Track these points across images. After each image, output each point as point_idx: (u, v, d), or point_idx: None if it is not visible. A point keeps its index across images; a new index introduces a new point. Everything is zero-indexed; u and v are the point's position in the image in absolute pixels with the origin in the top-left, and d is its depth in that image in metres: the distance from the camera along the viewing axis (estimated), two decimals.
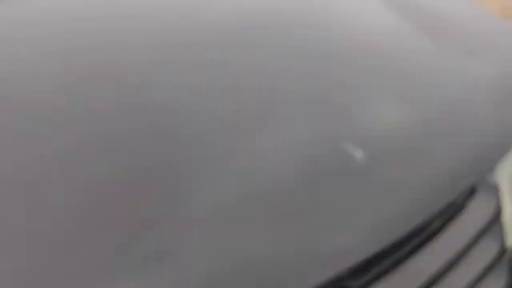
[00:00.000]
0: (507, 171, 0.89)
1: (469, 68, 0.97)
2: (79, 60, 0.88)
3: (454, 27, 1.12)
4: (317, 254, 0.65)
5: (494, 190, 0.86)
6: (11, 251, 0.57)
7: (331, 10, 1.14)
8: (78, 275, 0.55)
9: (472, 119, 0.88)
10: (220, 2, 1.06)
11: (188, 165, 0.69)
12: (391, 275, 0.72)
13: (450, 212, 0.83)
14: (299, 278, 0.63)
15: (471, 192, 0.85)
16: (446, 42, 1.05)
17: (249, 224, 0.65)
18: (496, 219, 0.85)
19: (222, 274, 0.59)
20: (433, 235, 0.79)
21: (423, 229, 0.78)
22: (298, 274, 0.63)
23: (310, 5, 1.14)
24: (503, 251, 0.85)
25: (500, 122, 0.88)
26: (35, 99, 0.80)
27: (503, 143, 0.86)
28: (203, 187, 0.67)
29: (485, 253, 0.84)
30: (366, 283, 0.70)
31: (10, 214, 0.61)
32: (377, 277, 0.72)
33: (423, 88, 0.94)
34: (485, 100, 0.91)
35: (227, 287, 0.58)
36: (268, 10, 1.06)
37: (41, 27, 0.97)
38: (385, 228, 0.70)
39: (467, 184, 0.79)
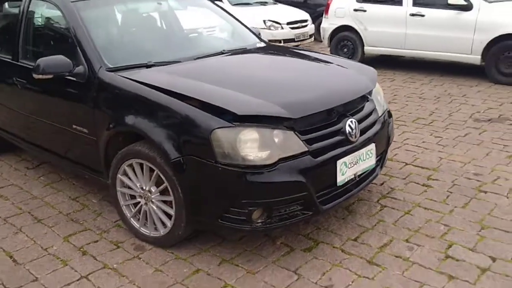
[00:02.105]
0: (374, 94, 3.25)
1: (358, 75, 3.38)
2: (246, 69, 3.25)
3: (350, 65, 3.52)
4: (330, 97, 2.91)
5: (371, 100, 3.18)
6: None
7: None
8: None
9: (359, 82, 3.25)
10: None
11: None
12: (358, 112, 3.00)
13: (362, 106, 3.10)
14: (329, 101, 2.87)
15: (367, 100, 3.14)
16: (350, 68, 3.41)
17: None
18: (373, 109, 3.17)
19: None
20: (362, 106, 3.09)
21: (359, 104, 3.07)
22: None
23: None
24: (378, 118, 3.17)
25: (366, 83, 3.26)
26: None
27: (363, 89, 3.17)
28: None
29: (374, 117, 3.13)
30: (353, 112, 2.95)
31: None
32: (354, 112, 2.96)
33: (344, 82, 3.28)
34: (360, 80, 3.27)
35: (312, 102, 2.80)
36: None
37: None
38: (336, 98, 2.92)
39: (362, 94, 3.10)
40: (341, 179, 2.79)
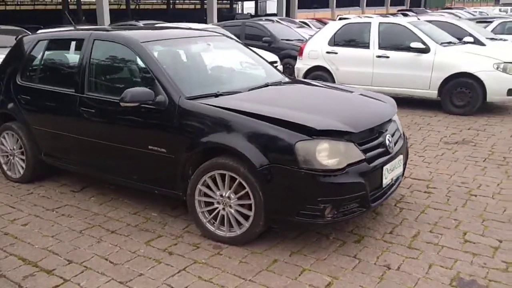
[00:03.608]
0: (394, 117, 4.05)
1: (383, 103, 4.15)
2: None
3: (375, 95, 4.33)
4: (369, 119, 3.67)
5: (394, 122, 3.99)
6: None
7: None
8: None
9: (387, 107, 4.06)
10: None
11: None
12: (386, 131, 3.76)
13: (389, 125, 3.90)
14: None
15: (390, 121, 3.95)
16: (377, 97, 4.22)
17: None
18: (397, 128, 3.97)
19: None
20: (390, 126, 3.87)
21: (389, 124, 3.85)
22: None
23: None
24: (400, 135, 3.96)
25: (392, 108, 4.07)
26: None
27: (392, 112, 3.99)
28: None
29: (398, 134, 3.92)
30: (385, 130, 3.72)
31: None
32: (387, 130, 3.73)
33: (378, 107, 4.06)
34: (387, 106, 4.08)
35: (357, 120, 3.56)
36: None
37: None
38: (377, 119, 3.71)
39: (392, 116, 3.89)
40: (385, 182, 3.53)
